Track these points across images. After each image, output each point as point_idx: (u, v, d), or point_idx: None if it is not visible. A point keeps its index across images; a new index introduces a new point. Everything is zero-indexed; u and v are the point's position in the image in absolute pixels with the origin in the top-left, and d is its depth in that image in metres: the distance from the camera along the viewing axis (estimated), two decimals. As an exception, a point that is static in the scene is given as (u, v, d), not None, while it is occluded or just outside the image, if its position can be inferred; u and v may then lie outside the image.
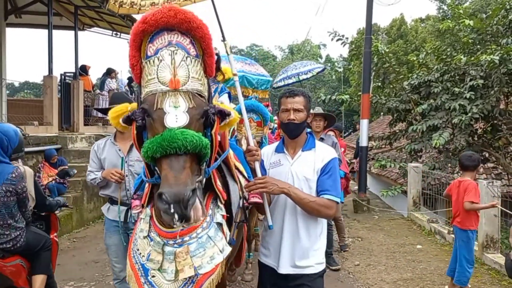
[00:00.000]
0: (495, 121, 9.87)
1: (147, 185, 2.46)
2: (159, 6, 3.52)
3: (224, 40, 2.81)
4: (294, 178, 2.75)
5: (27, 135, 8.78)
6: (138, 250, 2.40)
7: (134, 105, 2.22)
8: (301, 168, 2.77)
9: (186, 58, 1.99)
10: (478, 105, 9.12)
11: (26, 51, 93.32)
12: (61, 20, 13.67)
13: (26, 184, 3.73)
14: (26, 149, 8.68)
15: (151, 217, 2.36)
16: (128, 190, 3.90)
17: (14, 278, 3.74)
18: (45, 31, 11.44)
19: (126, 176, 3.90)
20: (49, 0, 11.01)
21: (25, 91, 36.96)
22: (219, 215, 2.47)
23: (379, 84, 11.98)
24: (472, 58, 9.14)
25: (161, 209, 1.83)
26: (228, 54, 2.96)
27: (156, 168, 2.05)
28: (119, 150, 4.02)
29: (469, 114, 8.98)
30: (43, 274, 3.99)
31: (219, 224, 2.46)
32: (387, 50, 10.98)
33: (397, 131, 11.69)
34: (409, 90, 10.83)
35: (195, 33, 2.00)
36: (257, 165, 2.68)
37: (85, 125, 12.56)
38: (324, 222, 2.88)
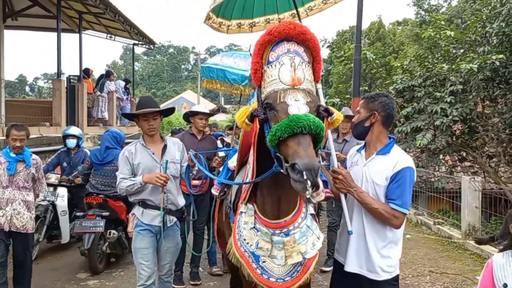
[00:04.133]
0: (473, 123, 10.76)
1: (247, 185, 2.84)
2: (260, 26, 4.51)
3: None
4: (363, 180, 2.80)
5: (41, 135, 9.26)
6: (245, 240, 2.78)
7: (254, 105, 2.56)
8: (371, 171, 2.78)
9: (302, 63, 2.39)
10: (458, 108, 9.96)
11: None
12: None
13: None
14: (42, 149, 9.21)
15: (255, 211, 2.77)
16: (165, 193, 3.90)
17: (120, 212, 6.24)
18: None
19: None
20: (58, 7, 11.46)
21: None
22: (311, 206, 2.89)
23: (366, 88, 12.81)
24: (453, 66, 10.00)
25: (294, 178, 2.10)
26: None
27: (279, 155, 2.28)
28: (153, 153, 3.98)
29: (450, 117, 9.79)
30: None
31: (312, 215, 2.91)
32: (374, 57, 11.79)
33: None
34: (394, 94, 11.65)
35: (308, 43, 2.44)
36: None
37: (88, 125, 13.06)
38: (397, 231, 2.81)
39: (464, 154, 11.39)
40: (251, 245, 2.76)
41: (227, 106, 53.98)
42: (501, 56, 9.15)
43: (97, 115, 13.93)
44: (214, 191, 3.85)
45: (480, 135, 10.61)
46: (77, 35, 15.42)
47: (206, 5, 4.07)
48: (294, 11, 4.26)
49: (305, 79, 2.38)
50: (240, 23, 4.50)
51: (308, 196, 2.16)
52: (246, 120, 2.50)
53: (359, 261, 2.78)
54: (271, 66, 2.40)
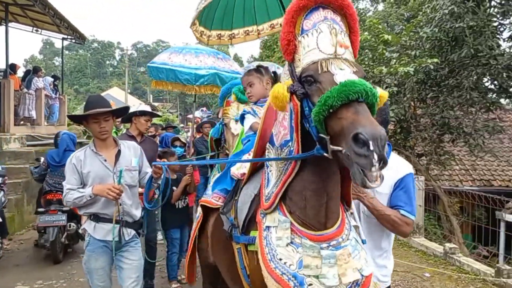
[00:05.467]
0: (406, 124, 11.27)
1: (274, 187, 2.30)
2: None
3: None
4: None
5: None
6: (281, 260, 2.18)
7: (289, 82, 2.14)
8: None
9: (341, 31, 2.03)
10: (394, 109, 10.39)
11: None
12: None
13: None
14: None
15: (291, 223, 2.23)
16: (121, 204, 3.55)
17: None
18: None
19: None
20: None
21: None
22: (351, 218, 2.42)
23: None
24: (392, 69, 10.38)
25: (358, 152, 1.69)
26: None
27: (323, 136, 1.89)
28: (105, 160, 3.58)
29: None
30: None
31: (356, 227, 2.40)
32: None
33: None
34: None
35: (346, 10, 2.08)
36: None
37: (14, 125, 12.10)
38: (391, 241, 2.77)
39: (397, 154, 11.88)
40: (290, 265, 2.16)
41: (156, 104, 52.77)
42: (436, 60, 9.63)
43: (24, 114, 12.95)
44: (215, 200, 3.00)
45: (414, 135, 11.12)
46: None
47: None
48: (273, 21, 4.18)
49: (346, 49, 2.04)
50: (220, 34, 4.34)
51: (370, 178, 1.71)
52: (287, 95, 2.06)
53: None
54: (307, 35, 2.05)
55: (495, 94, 11.69)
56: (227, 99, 4.56)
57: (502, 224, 10.40)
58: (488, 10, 10.94)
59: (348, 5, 2.08)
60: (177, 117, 45.99)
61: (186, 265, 3.64)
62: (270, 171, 2.40)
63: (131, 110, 5.02)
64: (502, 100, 12.79)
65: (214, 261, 3.19)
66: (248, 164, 2.74)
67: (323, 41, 2.00)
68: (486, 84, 11.58)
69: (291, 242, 2.20)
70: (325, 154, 1.91)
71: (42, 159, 7.28)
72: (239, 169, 2.89)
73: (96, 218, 3.56)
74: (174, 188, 5.32)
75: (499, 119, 13.65)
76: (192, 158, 6.01)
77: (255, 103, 3.33)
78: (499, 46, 10.87)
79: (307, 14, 2.07)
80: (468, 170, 14.85)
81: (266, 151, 2.46)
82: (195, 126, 7.61)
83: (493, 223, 9.33)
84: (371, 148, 1.65)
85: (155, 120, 8.66)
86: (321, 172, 2.12)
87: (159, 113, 5.48)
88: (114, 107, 3.86)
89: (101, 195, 3.43)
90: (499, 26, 11.04)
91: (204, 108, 15.07)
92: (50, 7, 11.93)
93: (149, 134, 7.06)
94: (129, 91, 53.89)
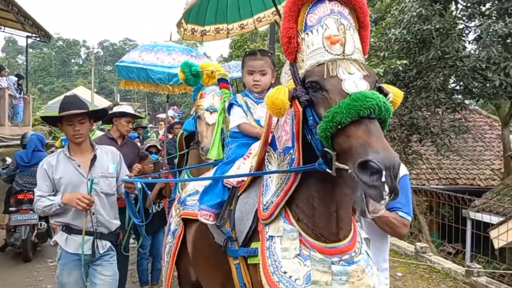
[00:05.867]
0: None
1: (274, 196, 2.10)
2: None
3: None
4: None
5: None
6: (285, 273, 1.96)
7: (290, 84, 1.91)
8: None
9: (349, 27, 1.80)
10: (364, 110, 10.52)
11: None
12: None
13: None
14: None
15: (299, 233, 2.01)
16: (94, 214, 3.29)
17: None
18: None
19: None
20: None
21: None
22: (360, 229, 2.24)
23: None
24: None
25: (367, 182, 1.49)
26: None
27: (327, 150, 1.70)
28: (79, 166, 3.32)
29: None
30: None
31: (367, 239, 2.24)
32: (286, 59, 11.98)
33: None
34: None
35: (355, 2, 1.84)
36: None
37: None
38: (388, 243, 2.72)
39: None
40: (296, 279, 1.93)
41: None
42: (404, 61, 9.79)
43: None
44: (205, 219, 2.57)
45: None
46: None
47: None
48: (243, 21, 4.09)
49: (355, 47, 1.79)
50: (218, 28, 4.21)
51: (374, 210, 1.57)
52: (286, 101, 1.82)
53: None
54: (311, 32, 1.80)
55: (461, 95, 12.01)
56: (202, 92, 4.49)
57: (469, 222, 10.66)
58: (454, 13, 11.22)
59: None
60: (145, 116, 45.36)
61: (167, 285, 3.35)
62: (270, 177, 2.19)
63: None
64: (467, 101, 13.16)
65: (197, 279, 2.99)
66: (244, 171, 2.49)
67: (329, 39, 1.77)
68: (453, 85, 11.88)
69: (299, 254, 1.98)
70: (328, 171, 1.72)
71: (9, 159, 7.25)
72: (234, 178, 2.55)
73: (68, 229, 3.30)
74: (149, 192, 5.16)
75: (464, 119, 14.02)
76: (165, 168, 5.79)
77: (247, 95, 2.93)
78: (465, 48, 11.16)
79: (311, 6, 1.83)
80: (434, 169, 15.18)
81: (267, 154, 2.26)
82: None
83: (459, 221, 9.55)
84: (383, 179, 1.46)
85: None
86: (329, 178, 1.83)
87: (141, 115, 5.22)
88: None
89: (70, 205, 3.17)
90: (465, 29, 11.34)
91: (175, 107, 14.81)
92: (13, 4, 11.57)
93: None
94: (95, 90, 52.84)
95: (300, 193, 2.03)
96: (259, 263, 2.08)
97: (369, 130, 1.57)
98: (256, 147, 2.49)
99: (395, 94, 1.85)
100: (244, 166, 2.52)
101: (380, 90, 1.78)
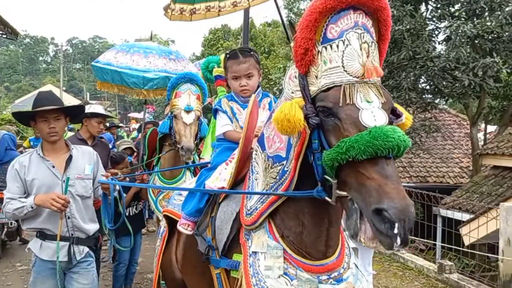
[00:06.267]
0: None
1: (259, 202, 1.99)
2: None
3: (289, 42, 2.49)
4: None
5: None
6: None
7: (300, 101, 1.73)
8: None
9: (372, 43, 1.65)
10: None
11: None
12: None
13: None
14: None
15: (284, 250, 1.92)
16: (69, 218, 3.10)
17: None
18: None
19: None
20: None
21: None
22: (348, 239, 2.13)
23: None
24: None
25: (380, 229, 1.44)
26: None
27: (328, 178, 1.63)
28: (53, 166, 3.13)
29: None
30: None
31: (355, 249, 2.17)
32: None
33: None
34: (279, 96, 11.99)
35: (381, 14, 1.67)
36: None
37: None
38: (372, 251, 2.75)
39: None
40: None
41: (93, 102, 50.92)
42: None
43: None
44: (183, 228, 2.53)
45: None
46: None
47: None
48: None
49: (375, 67, 1.64)
50: (209, 6, 3.98)
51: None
52: (301, 120, 1.65)
53: None
54: (330, 46, 1.63)
55: (431, 94, 12.23)
56: (176, 91, 4.42)
57: (439, 220, 10.85)
58: (425, 14, 11.41)
59: (385, 8, 1.67)
60: (116, 115, 44.65)
61: (154, 285, 3.30)
62: (256, 179, 2.06)
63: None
64: (437, 100, 13.42)
65: (182, 277, 2.92)
66: (225, 176, 2.37)
67: (350, 58, 1.61)
68: (423, 85, 12.09)
69: (284, 273, 1.88)
70: (327, 199, 1.65)
71: None
72: (215, 182, 2.45)
73: (43, 235, 3.09)
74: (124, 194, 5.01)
75: (434, 118, 14.29)
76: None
77: (232, 98, 2.77)
78: (435, 48, 11.37)
79: (333, 16, 1.64)
80: (405, 167, 15.41)
81: (254, 153, 2.12)
82: (137, 127, 7.32)
83: (430, 218, 9.72)
84: (395, 231, 1.40)
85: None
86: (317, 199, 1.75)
87: (112, 114, 5.00)
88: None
89: (44, 206, 2.95)
90: (435, 30, 11.55)
91: (150, 109, 14.57)
92: (-22, -1, 11.14)
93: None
94: (64, 88, 51.68)
95: (288, 206, 1.92)
96: (241, 279, 1.98)
97: (386, 173, 1.48)
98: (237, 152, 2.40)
99: (407, 116, 1.75)
100: (225, 171, 2.42)
101: (393, 111, 1.69)
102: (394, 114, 1.69)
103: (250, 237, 2.02)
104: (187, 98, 4.36)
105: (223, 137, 2.68)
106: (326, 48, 1.65)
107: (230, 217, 2.21)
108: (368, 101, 1.57)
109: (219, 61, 3.70)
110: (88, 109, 5.00)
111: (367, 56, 1.61)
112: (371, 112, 1.56)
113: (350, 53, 1.61)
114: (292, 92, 1.83)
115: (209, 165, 2.76)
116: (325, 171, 1.63)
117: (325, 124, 1.63)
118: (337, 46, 1.62)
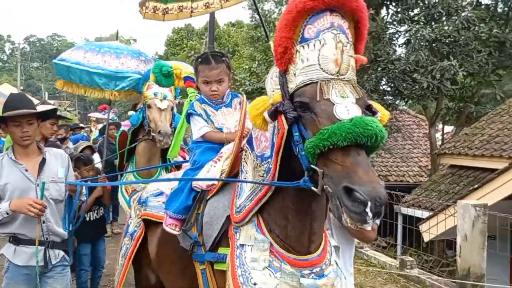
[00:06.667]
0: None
1: (248, 200, 2.07)
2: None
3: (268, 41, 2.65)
4: None
5: None
6: (255, 284, 1.95)
7: (277, 97, 1.84)
8: None
9: (347, 43, 1.74)
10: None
11: None
12: None
13: None
14: None
15: (270, 244, 2.00)
16: (44, 222, 3.02)
17: None
18: None
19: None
20: None
21: None
22: (330, 237, 2.24)
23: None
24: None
25: (352, 209, 1.52)
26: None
27: (314, 167, 1.68)
28: (26, 170, 3.05)
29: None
30: None
31: (336, 247, 2.23)
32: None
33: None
34: (247, 97, 12.08)
35: (358, 15, 1.78)
36: None
37: None
38: (354, 250, 2.77)
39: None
40: None
41: (52, 102, 49.55)
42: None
43: None
44: (170, 229, 2.48)
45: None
46: None
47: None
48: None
49: (350, 66, 1.75)
50: (181, 6, 3.91)
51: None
52: (266, 116, 1.80)
53: None
54: (307, 45, 1.73)
55: (392, 96, 12.59)
56: (148, 83, 4.51)
57: (400, 217, 11.17)
58: (386, 17, 11.74)
59: (362, 9, 1.77)
60: (75, 115, 43.61)
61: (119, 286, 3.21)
62: (246, 178, 2.14)
63: None
64: (397, 102, 13.81)
65: (157, 283, 2.92)
66: (215, 174, 2.39)
67: (326, 56, 1.70)
68: (384, 86, 12.43)
69: (269, 266, 1.96)
70: (313, 189, 1.72)
71: None
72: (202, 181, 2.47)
73: (16, 240, 3.02)
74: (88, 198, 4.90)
75: (395, 119, 14.68)
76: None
77: (204, 101, 2.76)
78: (395, 51, 11.71)
79: (311, 17, 1.73)
80: (367, 166, 15.77)
81: (244, 153, 2.20)
82: (98, 129, 7.18)
83: (392, 216, 9.99)
84: (367, 210, 1.49)
85: (61, 121, 7.95)
86: (307, 191, 1.80)
87: (71, 114, 4.86)
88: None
89: (20, 212, 2.89)
90: (395, 33, 11.90)
91: (116, 110, 14.32)
92: None
93: (59, 137, 6.54)
94: (21, 88, 50.04)
95: (274, 202, 2.00)
96: (227, 271, 2.05)
97: (358, 160, 1.58)
98: (226, 150, 2.45)
99: (383, 113, 1.85)
100: (214, 169, 2.43)
101: (369, 108, 1.78)
102: (370, 111, 1.77)
103: (238, 231, 2.10)
104: (160, 88, 4.39)
105: (202, 139, 2.67)
106: (303, 47, 1.74)
107: (222, 213, 2.25)
108: (342, 97, 1.67)
109: (169, 66, 3.68)
110: (41, 109, 4.88)
111: (342, 55, 1.71)
112: (345, 106, 1.65)
113: (326, 51, 1.70)
114: (273, 91, 1.91)
115: (187, 164, 2.75)
116: (310, 161, 1.70)
117: (302, 119, 1.73)
118: (314, 45, 1.72)
